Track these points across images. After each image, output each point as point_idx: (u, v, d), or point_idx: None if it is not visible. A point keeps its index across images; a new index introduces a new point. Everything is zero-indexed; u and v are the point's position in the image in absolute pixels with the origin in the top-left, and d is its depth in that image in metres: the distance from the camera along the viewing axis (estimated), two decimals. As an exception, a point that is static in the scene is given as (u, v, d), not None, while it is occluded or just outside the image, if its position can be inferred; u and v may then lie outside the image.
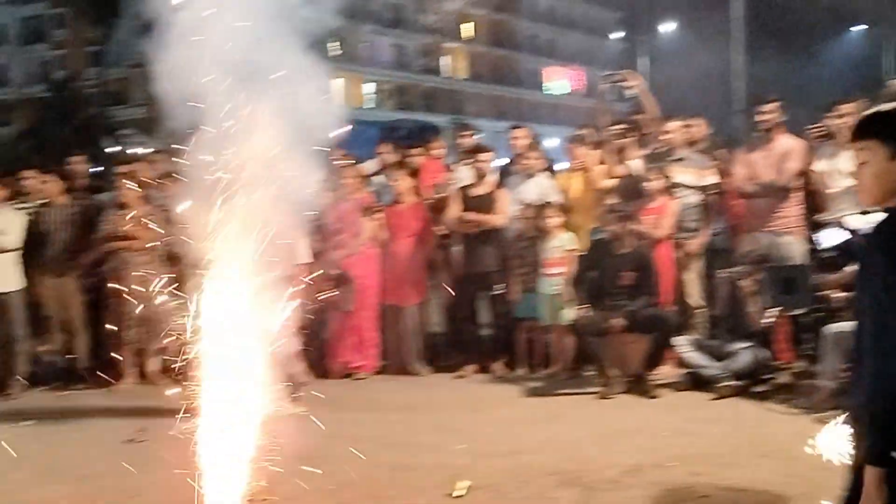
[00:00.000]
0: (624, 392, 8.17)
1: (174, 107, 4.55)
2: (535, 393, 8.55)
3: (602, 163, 9.47)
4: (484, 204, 9.39)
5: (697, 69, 37.46)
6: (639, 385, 8.18)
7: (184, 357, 5.78)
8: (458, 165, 10.21)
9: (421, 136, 14.63)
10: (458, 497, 5.49)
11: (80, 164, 10.30)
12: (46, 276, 9.53)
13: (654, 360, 8.33)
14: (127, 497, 5.69)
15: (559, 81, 70.05)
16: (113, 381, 9.18)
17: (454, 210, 9.44)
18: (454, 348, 9.89)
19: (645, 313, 8.27)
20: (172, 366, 9.15)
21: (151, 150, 11.12)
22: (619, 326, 8.19)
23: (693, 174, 9.10)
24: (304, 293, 8.29)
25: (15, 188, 9.87)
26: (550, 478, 5.85)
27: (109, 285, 9.20)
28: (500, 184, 9.70)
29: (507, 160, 10.52)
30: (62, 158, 10.66)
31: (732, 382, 7.90)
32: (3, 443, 6.73)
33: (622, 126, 9.62)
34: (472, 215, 9.34)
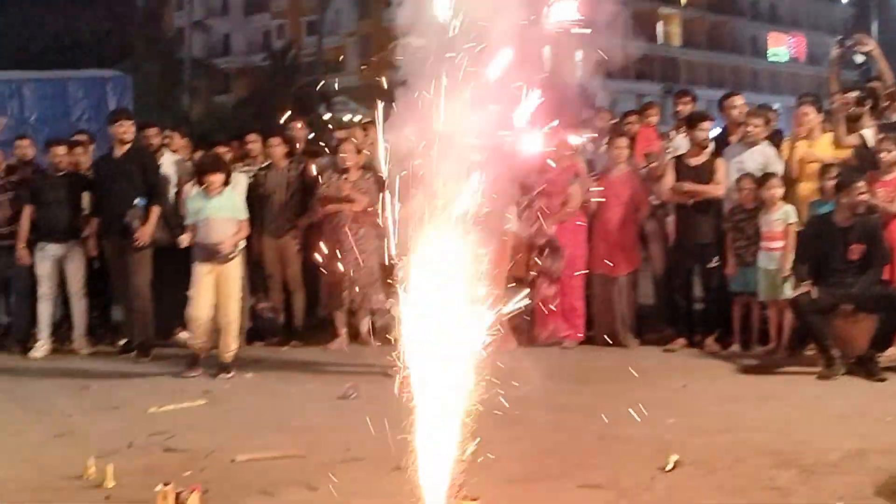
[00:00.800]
0: (847, 373, 7.75)
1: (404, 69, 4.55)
2: (749, 370, 8.24)
3: (828, 132, 8.98)
4: (701, 173, 9.08)
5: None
6: (863, 367, 7.74)
7: (395, 318, 5.85)
8: (675, 133, 9.92)
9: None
10: (669, 471, 5.35)
11: (299, 130, 10.64)
12: (267, 237, 9.93)
13: (881, 341, 7.87)
14: (340, 451, 5.86)
15: (779, 48, 67.23)
16: (327, 339, 9.49)
17: (669, 179, 9.17)
18: (664, 321, 9.66)
19: (874, 291, 7.81)
20: (383, 326, 9.40)
21: (365, 117, 11.37)
22: (848, 309, 7.78)
23: (933, 146, 8.48)
24: (512, 260, 8.34)
25: (238, 152, 10.32)
26: (766, 457, 5.62)
27: (326, 247, 9.48)
28: (717, 153, 9.36)
29: (722, 129, 10.14)
30: (280, 125, 11.04)
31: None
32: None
33: (854, 94, 9.07)
34: (688, 185, 9.06)
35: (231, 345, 8.42)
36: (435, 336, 4.43)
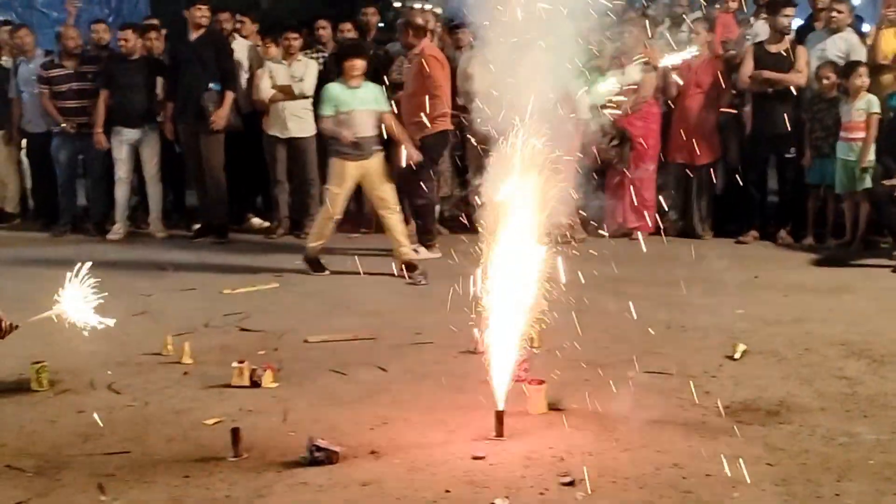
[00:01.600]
0: (922, 266, 7.64)
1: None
2: (822, 262, 8.13)
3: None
4: (781, 61, 8.82)
5: None
6: (940, 260, 7.61)
7: (465, 206, 5.82)
8: (755, 19, 9.61)
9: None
10: (737, 360, 5.35)
11: (372, 16, 10.53)
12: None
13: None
14: (409, 333, 5.97)
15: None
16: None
17: (748, 67, 8.92)
18: (738, 212, 9.52)
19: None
20: (454, 215, 9.40)
21: (432, 5, 11.16)
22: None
23: None
24: (583, 149, 8.22)
25: (310, 38, 10.25)
26: (835, 348, 5.59)
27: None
28: (799, 41, 9.06)
29: (807, 18, 9.80)
30: (352, 11, 10.92)
31: None
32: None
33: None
34: (768, 73, 8.81)
35: (406, 242, 7.94)
36: (506, 224, 4.42)
